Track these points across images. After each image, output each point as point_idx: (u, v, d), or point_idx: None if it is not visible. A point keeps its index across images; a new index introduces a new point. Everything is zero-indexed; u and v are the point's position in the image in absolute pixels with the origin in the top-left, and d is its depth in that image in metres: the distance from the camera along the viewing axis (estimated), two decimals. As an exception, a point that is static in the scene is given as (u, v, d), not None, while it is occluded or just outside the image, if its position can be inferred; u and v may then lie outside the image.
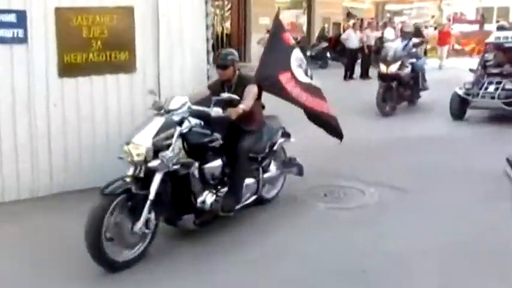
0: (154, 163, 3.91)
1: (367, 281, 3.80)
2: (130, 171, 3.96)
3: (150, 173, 3.94)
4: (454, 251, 4.20)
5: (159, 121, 4.08)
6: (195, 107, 4.34)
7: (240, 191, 4.65)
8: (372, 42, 16.69)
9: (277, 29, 5.59)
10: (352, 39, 16.59)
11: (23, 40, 5.18)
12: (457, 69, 12.27)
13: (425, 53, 14.08)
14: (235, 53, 4.86)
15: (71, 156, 5.55)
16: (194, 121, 4.28)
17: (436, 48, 19.85)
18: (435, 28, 21.96)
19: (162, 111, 4.21)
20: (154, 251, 4.14)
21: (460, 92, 9.40)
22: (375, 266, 3.97)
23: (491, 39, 10.37)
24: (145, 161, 3.90)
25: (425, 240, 4.42)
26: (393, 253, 4.17)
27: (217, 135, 4.45)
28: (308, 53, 18.82)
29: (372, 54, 16.56)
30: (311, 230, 4.71)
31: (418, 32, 16.79)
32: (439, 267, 3.96)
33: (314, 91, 5.46)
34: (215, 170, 4.49)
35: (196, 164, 4.31)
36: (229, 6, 21.12)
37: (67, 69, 5.41)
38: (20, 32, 5.15)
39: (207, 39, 6.11)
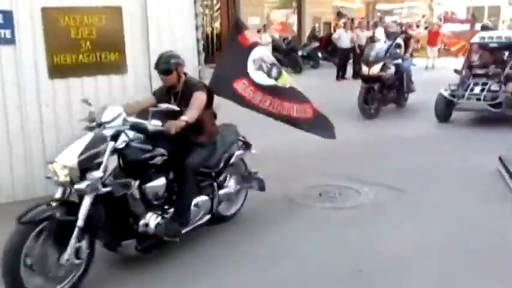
0: (81, 185, 3.42)
1: (364, 281, 3.77)
2: (59, 194, 3.52)
3: (79, 196, 3.48)
4: (451, 251, 4.18)
5: (87, 137, 3.57)
6: (130, 119, 3.80)
7: (186, 213, 4.13)
8: (363, 42, 16.64)
9: (233, 30, 5.29)
10: (343, 38, 16.63)
11: (11, 41, 5.11)
12: (447, 69, 12.17)
13: (411, 54, 13.87)
14: (180, 56, 4.28)
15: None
16: (133, 135, 3.76)
17: (425, 48, 19.87)
18: (426, 28, 21.97)
19: (94, 124, 3.74)
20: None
21: (446, 94, 9.09)
22: (371, 266, 3.94)
23: (475, 39, 10.11)
24: (72, 183, 3.45)
25: (421, 240, 4.39)
26: (389, 253, 4.14)
27: (160, 150, 3.92)
28: (300, 53, 18.89)
29: (363, 54, 16.53)
30: (306, 230, 4.66)
31: (404, 31, 16.88)
32: (435, 267, 3.93)
33: (284, 92, 5.09)
34: (158, 190, 3.97)
35: (136, 184, 3.78)
36: (218, 6, 21.01)
37: (57, 71, 5.35)
38: (7, 33, 5.09)
39: (197, 40, 6.06)
